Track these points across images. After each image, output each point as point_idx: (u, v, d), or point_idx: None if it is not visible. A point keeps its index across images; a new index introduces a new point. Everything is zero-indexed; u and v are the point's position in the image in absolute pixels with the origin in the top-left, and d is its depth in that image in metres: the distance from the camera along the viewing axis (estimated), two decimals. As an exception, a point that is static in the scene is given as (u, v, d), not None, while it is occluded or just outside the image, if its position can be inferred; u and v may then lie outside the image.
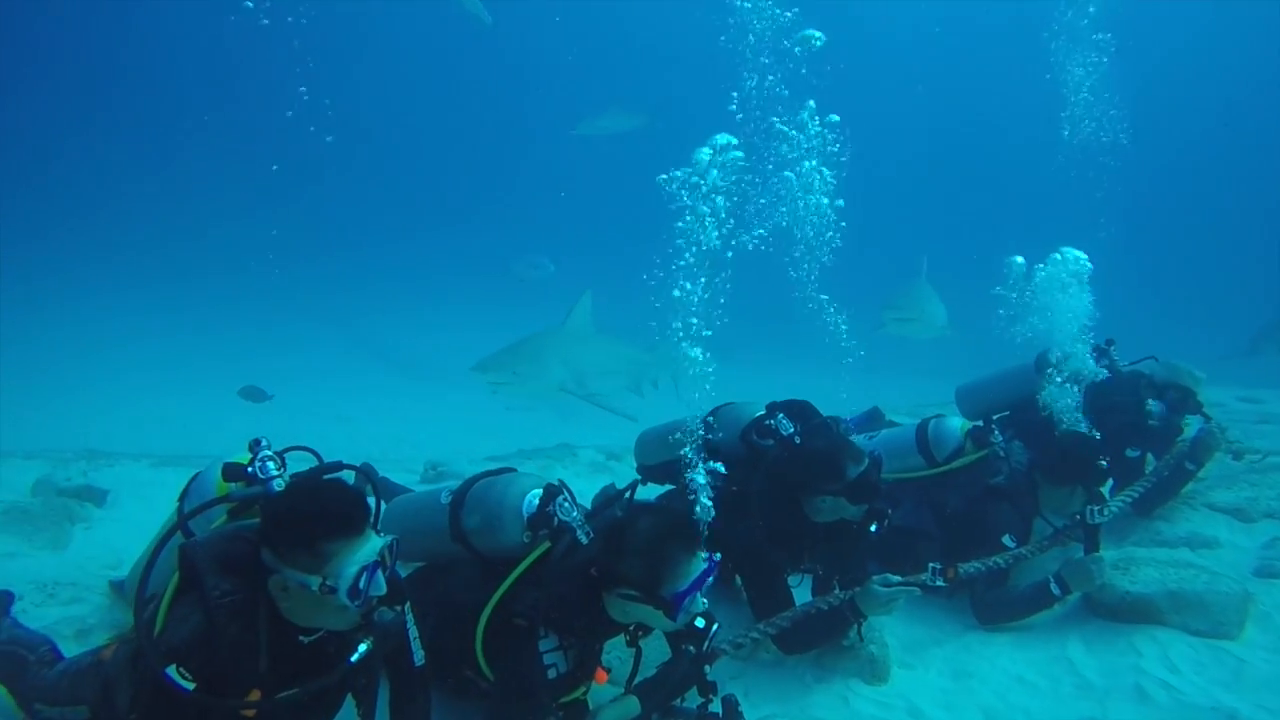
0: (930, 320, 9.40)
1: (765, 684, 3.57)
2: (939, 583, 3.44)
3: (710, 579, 2.76)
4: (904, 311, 9.33)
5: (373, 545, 2.27)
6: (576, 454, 6.93)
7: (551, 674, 2.77)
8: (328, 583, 2.19)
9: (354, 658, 2.31)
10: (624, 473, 6.64)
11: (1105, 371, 5.17)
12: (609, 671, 3.02)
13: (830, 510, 3.61)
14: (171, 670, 2.19)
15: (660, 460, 4.01)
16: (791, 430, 3.78)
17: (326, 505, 2.28)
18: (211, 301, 14.52)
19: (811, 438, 3.77)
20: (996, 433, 4.52)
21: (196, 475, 2.91)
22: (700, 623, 2.74)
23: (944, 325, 9.54)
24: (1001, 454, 4.45)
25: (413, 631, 2.62)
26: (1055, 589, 3.93)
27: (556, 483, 2.96)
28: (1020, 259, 5.15)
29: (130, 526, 5.17)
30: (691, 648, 2.78)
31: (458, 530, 2.98)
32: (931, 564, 3.44)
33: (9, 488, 5.50)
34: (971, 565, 3.92)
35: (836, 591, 3.67)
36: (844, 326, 4.43)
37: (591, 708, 2.92)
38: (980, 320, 5.38)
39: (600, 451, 7.16)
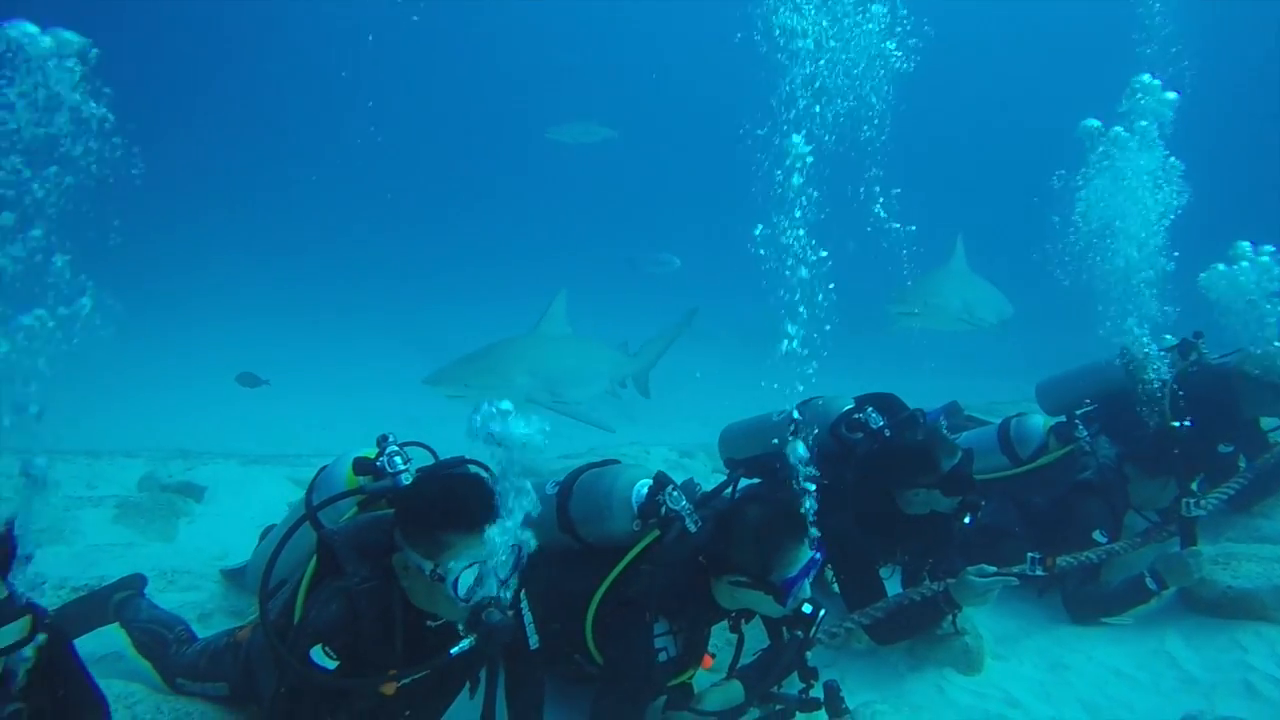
0: (942, 313, 8.17)
1: (859, 672, 3.61)
2: (1038, 572, 3.44)
3: (816, 567, 2.83)
4: (907, 305, 8.12)
5: (489, 548, 2.29)
6: (649, 452, 7.01)
7: (662, 657, 2.86)
8: (438, 570, 2.28)
9: (454, 650, 2.33)
10: (696, 469, 6.71)
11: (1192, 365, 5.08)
12: (714, 656, 3.09)
13: (923, 503, 3.63)
14: (316, 651, 2.33)
15: (750, 454, 4.07)
16: (881, 423, 3.82)
17: (455, 498, 2.36)
18: (291, 310, 14.92)
19: (903, 431, 3.80)
20: (1081, 428, 4.49)
21: (323, 469, 3.05)
22: (807, 608, 2.80)
23: (970, 317, 8.31)
24: (1088, 449, 4.41)
25: (528, 616, 2.72)
26: (1151, 584, 3.88)
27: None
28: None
29: (228, 520, 5.42)
30: (800, 632, 2.84)
31: (565, 520, 3.08)
32: (1030, 554, 3.44)
33: (116, 484, 5.80)
34: (1066, 559, 3.90)
35: (927, 583, 3.69)
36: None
37: (697, 691, 3.01)
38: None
39: (673, 449, 7.22)
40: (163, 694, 2.96)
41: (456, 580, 2.26)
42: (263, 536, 3.86)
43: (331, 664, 2.34)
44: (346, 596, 2.40)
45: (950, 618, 3.55)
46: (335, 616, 2.38)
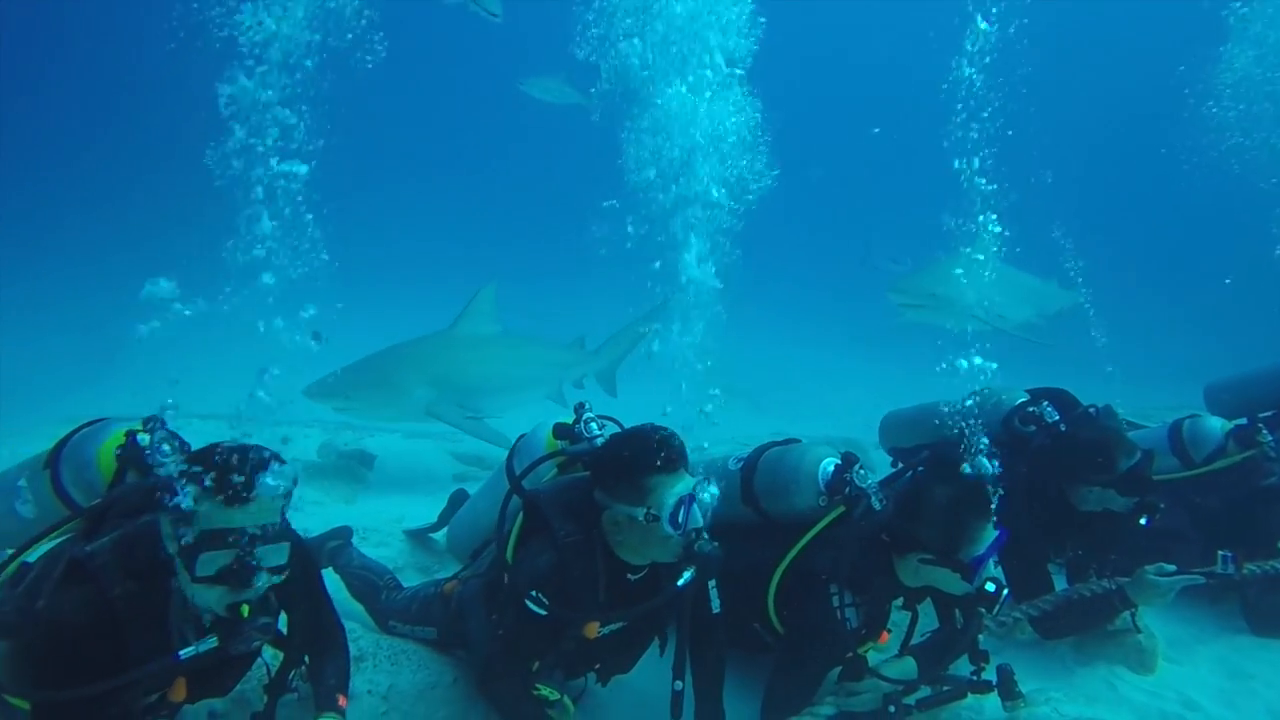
0: (951, 306, 6.86)
1: (1025, 663, 3.57)
2: (1229, 570, 3.35)
3: (1000, 546, 2.87)
4: (910, 296, 6.99)
5: (687, 482, 2.58)
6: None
7: (843, 628, 2.96)
8: (651, 512, 2.51)
9: (681, 583, 2.63)
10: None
11: None
12: (889, 633, 3.16)
13: (1096, 500, 3.58)
14: (530, 598, 2.58)
15: (914, 443, 4.11)
16: (1056, 418, 3.78)
17: (647, 445, 2.60)
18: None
19: (1079, 427, 3.75)
20: (1265, 432, 4.29)
21: (522, 436, 3.30)
22: (991, 587, 2.84)
23: (989, 314, 6.90)
24: (1272, 454, 4.22)
25: (712, 581, 2.89)
26: None
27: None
28: None
29: (399, 486, 5.85)
30: (983, 609, 2.88)
31: (749, 493, 3.22)
32: (1222, 552, 3.35)
33: (300, 449, 6.35)
34: (1251, 566, 3.76)
35: (1096, 579, 3.64)
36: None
37: (871, 665, 3.09)
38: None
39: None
40: (376, 633, 3.28)
41: (672, 515, 2.48)
42: (451, 501, 4.19)
43: (543, 611, 2.58)
44: (555, 549, 2.65)
45: (1129, 615, 3.50)
46: (546, 567, 2.63)
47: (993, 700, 3.18)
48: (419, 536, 4.39)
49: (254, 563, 2.13)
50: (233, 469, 2.11)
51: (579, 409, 3.09)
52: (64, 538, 2.49)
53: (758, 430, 7.51)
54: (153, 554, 2.23)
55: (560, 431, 3.08)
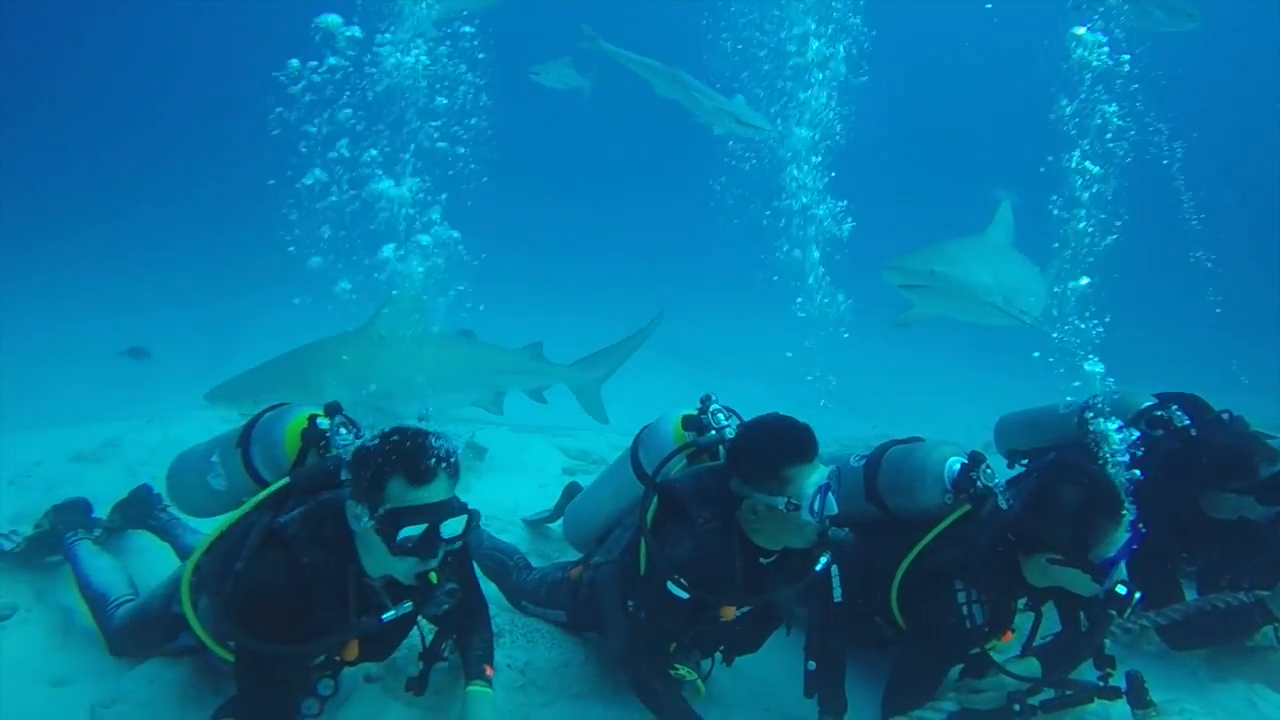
0: (962, 290, 5.80)
1: (1154, 673, 3.46)
2: None
3: (1132, 548, 2.85)
4: (909, 274, 5.72)
5: (823, 471, 2.68)
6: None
7: (966, 625, 2.98)
8: (792, 501, 2.62)
9: (818, 567, 2.77)
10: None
11: None
12: (1014, 631, 3.15)
13: (1233, 508, 3.48)
14: (671, 582, 2.71)
15: (1032, 445, 4.07)
16: (1187, 422, 3.69)
17: (786, 438, 2.72)
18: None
19: (1213, 432, 3.66)
20: None
21: (646, 427, 3.41)
22: (1123, 590, 2.82)
23: (1007, 304, 5.86)
24: None
25: (835, 571, 2.96)
26: None
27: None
28: None
29: (511, 477, 6.05)
30: (1114, 611, 2.86)
31: (872, 490, 3.28)
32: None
33: (417, 440, 6.63)
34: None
35: (1231, 591, 3.54)
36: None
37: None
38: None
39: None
40: (511, 612, 3.46)
41: (811, 504, 2.60)
42: (566, 492, 4.37)
43: (684, 594, 2.71)
44: (694, 536, 2.77)
45: (1271, 631, 3.39)
46: (687, 553, 2.76)
47: (1120, 708, 3.15)
48: (536, 526, 4.57)
49: (440, 535, 2.32)
50: (418, 451, 2.32)
51: (705, 401, 3.21)
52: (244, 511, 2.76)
53: (859, 434, 7.47)
54: (336, 527, 2.46)
55: (689, 423, 3.19)
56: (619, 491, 3.41)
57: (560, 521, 4.39)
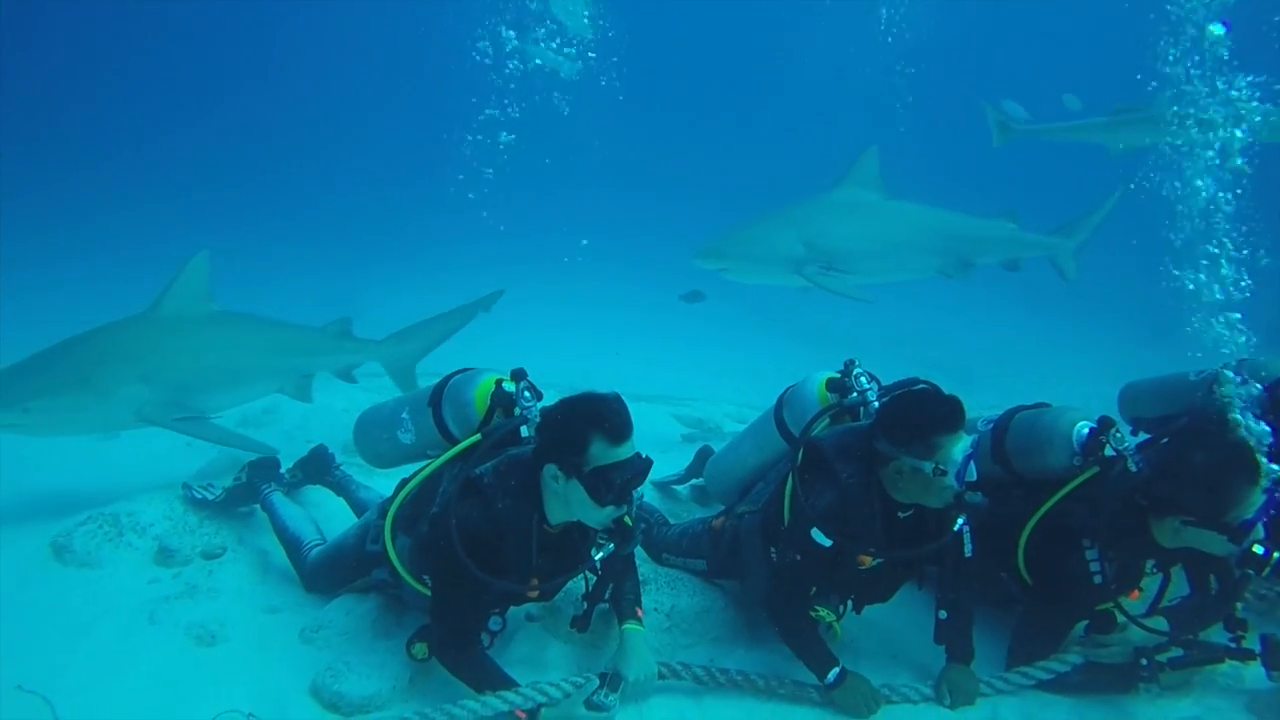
0: (761, 271, 6.22)
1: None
2: None
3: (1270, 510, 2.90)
4: (709, 263, 6.22)
5: (966, 441, 2.87)
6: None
7: (1096, 580, 3.10)
8: (939, 466, 2.81)
9: (955, 528, 2.98)
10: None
11: None
12: (1140, 591, 3.25)
13: None
14: (815, 531, 2.94)
15: (1158, 413, 4.08)
16: None
17: (939, 408, 2.89)
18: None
19: None
20: None
21: (790, 388, 3.63)
22: (1259, 549, 2.88)
23: (811, 274, 6.08)
24: None
25: (966, 530, 3.12)
26: None
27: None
28: None
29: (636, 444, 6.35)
30: (1251, 571, 2.92)
31: (1000, 452, 3.42)
32: None
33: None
34: None
35: None
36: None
37: (1120, 621, 3.20)
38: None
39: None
40: (650, 564, 3.75)
41: (959, 472, 2.80)
42: (698, 455, 4.63)
43: (827, 542, 2.94)
44: (838, 489, 2.99)
45: None
46: (830, 504, 2.99)
47: (1254, 670, 3.20)
48: (664, 488, 4.86)
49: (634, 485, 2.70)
50: (615, 413, 2.62)
51: (848, 365, 3.41)
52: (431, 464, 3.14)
53: (972, 404, 7.44)
54: (523, 479, 2.80)
55: (832, 385, 3.40)
56: (761, 447, 3.67)
57: (686, 485, 4.68)
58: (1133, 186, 7.25)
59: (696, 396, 7.35)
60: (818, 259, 6.18)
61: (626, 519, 2.92)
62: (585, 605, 3.14)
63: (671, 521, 4.06)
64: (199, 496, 4.16)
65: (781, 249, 6.20)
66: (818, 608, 3.15)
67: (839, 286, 6.11)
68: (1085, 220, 7.69)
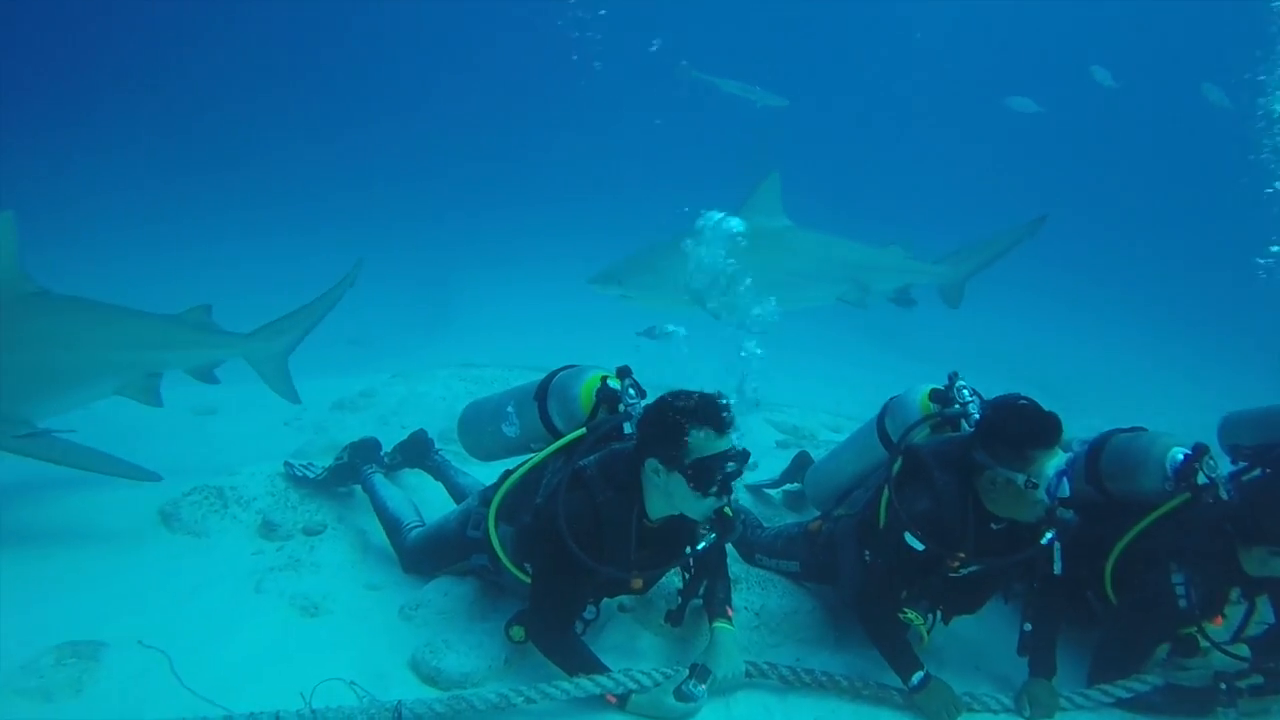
0: (655, 297, 6.49)
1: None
2: None
3: None
4: (608, 289, 6.63)
5: (1062, 457, 2.84)
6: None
7: (1182, 605, 3.05)
8: (1031, 480, 2.79)
9: (1044, 541, 2.96)
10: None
11: None
12: (1224, 617, 3.18)
13: None
14: (908, 535, 2.92)
15: (1258, 441, 3.93)
16: None
17: (1037, 423, 2.87)
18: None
19: None
20: None
21: (894, 397, 3.63)
22: None
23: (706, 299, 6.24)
24: None
25: (1056, 546, 3.06)
26: None
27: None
28: None
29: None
30: None
31: (1094, 473, 3.39)
32: None
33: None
34: None
35: None
36: None
37: (1202, 645, 3.12)
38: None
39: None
40: (741, 564, 3.76)
41: (1048, 485, 2.78)
42: (795, 461, 4.62)
43: (920, 546, 2.92)
44: (934, 495, 2.97)
45: None
46: (925, 509, 3.00)
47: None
48: (758, 491, 4.85)
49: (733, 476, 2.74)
50: (717, 407, 2.65)
51: (951, 378, 3.41)
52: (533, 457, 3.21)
53: (1072, 426, 7.25)
54: (626, 473, 2.85)
55: (935, 396, 3.41)
56: (861, 455, 3.69)
57: (780, 489, 4.67)
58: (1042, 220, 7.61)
59: (791, 403, 7.32)
60: (716, 287, 6.30)
61: (726, 510, 2.96)
62: (680, 599, 3.16)
63: (765, 525, 4.06)
64: (299, 474, 4.32)
65: (681, 277, 6.23)
66: (907, 610, 3.13)
67: (736, 318, 6.22)
68: (975, 250, 7.79)
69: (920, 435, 3.30)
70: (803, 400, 7.48)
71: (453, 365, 7.08)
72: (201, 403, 6.00)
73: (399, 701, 2.77)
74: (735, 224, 6.40)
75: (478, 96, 27.38)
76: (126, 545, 3.76)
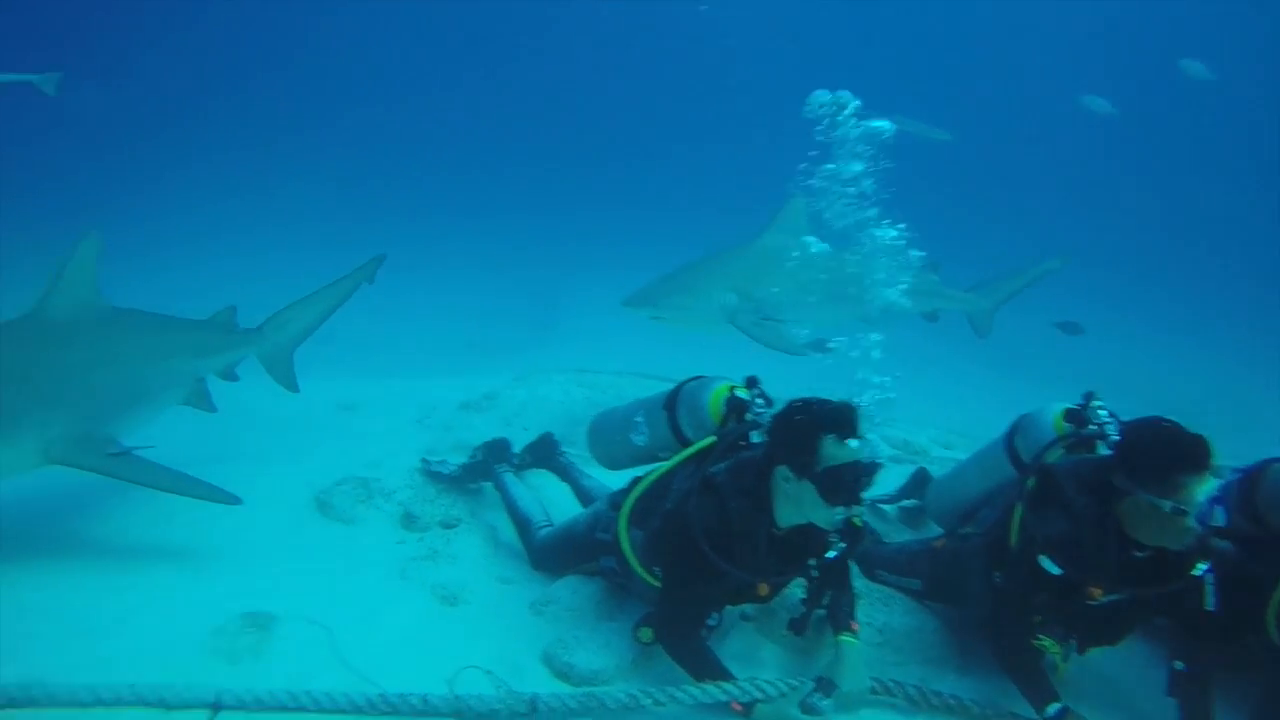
0: (694, 320, 6.36)
1: None
2: None
3: None
4: (642, 311, 6.40)
5: (1212, 484, 2.73)
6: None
7: None
8: (1179, 507, 2.68)
9: (1195, 572, 2.84)
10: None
11: None
12: None
13: None
14: (1043, 558, 2.87)
15: None
16: None
17: (1183, 446, 2.76)
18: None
19: None
20: None
21: (1024, 415, 3.57)
22: None
23: (755, 325, 6.18)
24: None
25: (1209, 579, 2.93)
26: None
27: None
28: None
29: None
30: None
31: (1249, 505, 3.20)
32: None
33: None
34: None
35: None
36: None
37: None
38: None
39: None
40: (861, 579, 3.76)
41: (1199, 514, 2.68)
42: (914, 477, 4.59)
43: (1056, 570, 2.87)
44: (1072, 518, 2.92)
45: None
46: (1062, 532, 2.93)
47: None
48: (873, 506, 4.83)
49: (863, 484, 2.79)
50: (849, 415, 2.71)
51: (1087, 397, 3.34)
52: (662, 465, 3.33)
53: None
54: (755, 480, 2.93)
55: (1070, 416, 3.34)
56: (987, 472, 3.65)
57: (895, 505, 4.64)
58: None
59: (899, 418, 7.24)
60: (750, 308, 6.24)
61: (855, 520, 2.99)
62: (804, 609, 3.21)
63: (885, 540, 4.06)
64: (435, 470, 4.59)
65: (714, 297, 6.26)
66: (1042, 637, 3.06)
67: (772, 338, 6.15)
68: (1005, 281, 7.72)
69: (1054, 455, 3.22)
70: (910, 415, 7.37)
71: (569, 370, 7.30)
72: (344, 399, 6.43)
73: (534, 694, 2.93)
74: (768, 242, 6.51)
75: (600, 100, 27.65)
76: (287, 527, 4.11)
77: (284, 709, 2.77)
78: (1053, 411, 3.41)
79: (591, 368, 7.54)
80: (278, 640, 3.16)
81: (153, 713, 2.52)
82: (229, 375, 4.99)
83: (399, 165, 21.78)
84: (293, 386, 5.38)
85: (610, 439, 3.77)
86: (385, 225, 16.15)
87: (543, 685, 3.09)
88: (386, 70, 26.75)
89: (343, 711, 2.81)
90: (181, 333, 4.66)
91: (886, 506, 4.70)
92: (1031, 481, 3.11)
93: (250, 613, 3.25)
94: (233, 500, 3.67)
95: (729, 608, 3.27)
